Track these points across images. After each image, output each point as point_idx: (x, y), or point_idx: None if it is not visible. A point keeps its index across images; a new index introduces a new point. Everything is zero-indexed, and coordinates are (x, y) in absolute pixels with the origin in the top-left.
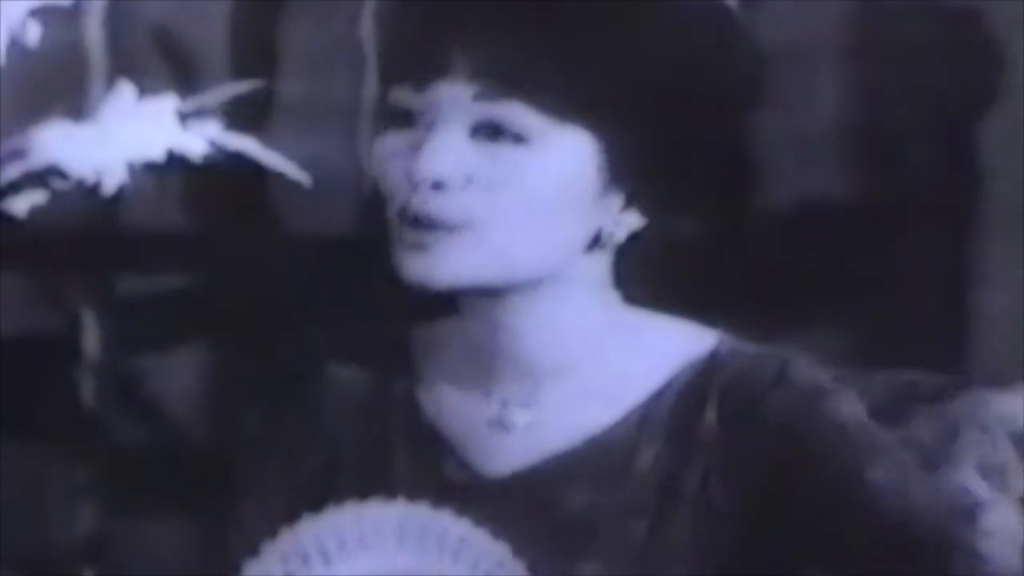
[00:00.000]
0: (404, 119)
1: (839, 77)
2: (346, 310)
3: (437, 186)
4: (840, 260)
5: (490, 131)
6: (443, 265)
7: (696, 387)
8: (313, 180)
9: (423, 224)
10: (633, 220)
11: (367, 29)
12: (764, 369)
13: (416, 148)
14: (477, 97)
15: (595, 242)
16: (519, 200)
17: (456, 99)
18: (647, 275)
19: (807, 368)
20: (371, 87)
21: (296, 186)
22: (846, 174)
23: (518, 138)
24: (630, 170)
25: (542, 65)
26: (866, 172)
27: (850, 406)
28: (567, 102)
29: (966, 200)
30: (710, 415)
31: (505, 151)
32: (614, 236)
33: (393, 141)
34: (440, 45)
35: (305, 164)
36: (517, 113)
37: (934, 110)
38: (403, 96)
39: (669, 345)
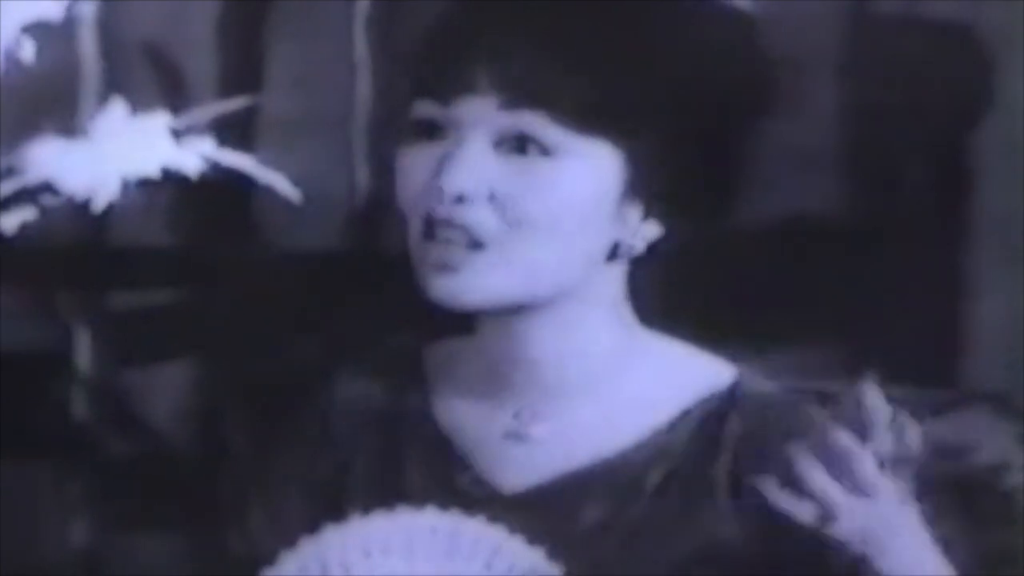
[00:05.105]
0: (429, 133)
1: (832, 90)
2: (339, 324)
3: (459, 199)
4: (832, 273)
5: (516, 143)
6: (471, 285)
7: (713, 425)
8: (303, 195)
9: (444, 238)
10: (651, 230)
11: (361, 42)
12: (781, 421)
13: (441, 162)
14: (500, 107)
15: (613, 254)
16: (542, 216)
17: (480, 112)
18: (644, 290)
19: (826, 423)
20: (362, 101)
21: (286, 201)
22: (839, 187)
23: (544, 150)
24: (651, 181)
25: (564, 78)
26: (858, 185)
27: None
28: (589, 115)
29: (959, 213)
30: (725, 460)
31: (530, 164)
32: (633, 247)
33: (418, 155)
34: (464, 60)
35: (295, 179)
36: (541, 125)
37: (926, 123)
38: (428, 110)
39: (689, 374)
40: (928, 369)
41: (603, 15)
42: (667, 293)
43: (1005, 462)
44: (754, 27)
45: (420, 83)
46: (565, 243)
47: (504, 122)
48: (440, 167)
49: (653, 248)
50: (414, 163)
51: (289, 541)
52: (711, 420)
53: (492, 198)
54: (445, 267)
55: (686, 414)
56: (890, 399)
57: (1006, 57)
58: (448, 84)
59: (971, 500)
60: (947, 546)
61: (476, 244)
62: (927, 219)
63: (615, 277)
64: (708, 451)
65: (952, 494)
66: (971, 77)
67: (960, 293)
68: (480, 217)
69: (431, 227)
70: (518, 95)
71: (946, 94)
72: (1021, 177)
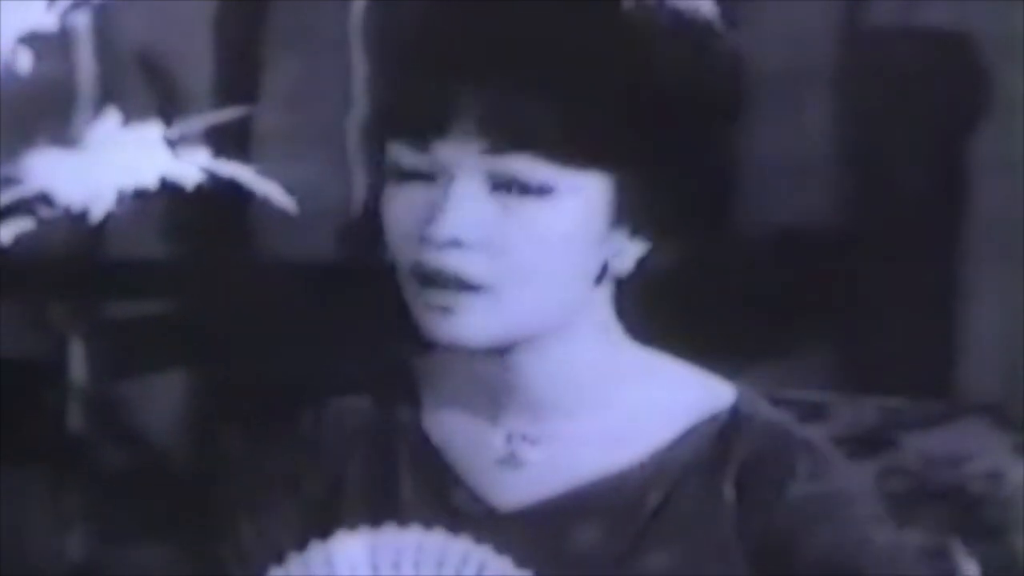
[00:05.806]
0: (412, 175)
1: (827, 100)
2: (333, 335)
3: (454, 243)
4: (828, 283)
5: (511, 185)
6: (468, 326)
7: (718, 445)
8: (299, 206)
9: (439, 283)
10: (637, 249)
11: (357, 52)
12: (782, 443)
13: (433, 206)
14: (485, 152)
15: (601, 275)
16: (538, 260)
17: (464, 156)
18: (636, 304)
19: (828, 457)
20: (358, 111)
21: (282, 212)
22: (834, 197)
23: (541, 190)
24: (639, 203)
25: (547, 118)
26: (854, 195)
27: (872, 510)
28: (579, 151)
29: (955, 223)
30: (728, 491)
31: (526, 207)
32: (621, 266)
33: (405, 197)
34: (441, 103)
35: (291, 190)
36: (530, 167)
37: (921, 133)
38: (405, 154)
39: (688, 393)
40: (924, 380)
41: (573, 48)
42: (660, 305)
43: (1001, 472)
44: (719, 38)
45: (397, 125)
46: (560, 281)
47: (494, 166)
48: (431, 213)
49: (640, 264)
50: (402, 207)
51: (281, 555)
52: (715, 440)
53: (485, 243)
54: (441, 309)
55: (689, 433)
56: (885, 409)
57: (1002, 65)
58: (424, 130)
59: (968, 510)
60: (944, 555)
61: (469, 287)
62: (923, 229)
63: (602, 296)
64: (711, 472)
65: (949, 504)
66: (967, 86)
67: (955, 304)
68: (472, 263)
69: (423, 275)
70: (499, 139)
71: (942, 103)
72: (1018, 187)
